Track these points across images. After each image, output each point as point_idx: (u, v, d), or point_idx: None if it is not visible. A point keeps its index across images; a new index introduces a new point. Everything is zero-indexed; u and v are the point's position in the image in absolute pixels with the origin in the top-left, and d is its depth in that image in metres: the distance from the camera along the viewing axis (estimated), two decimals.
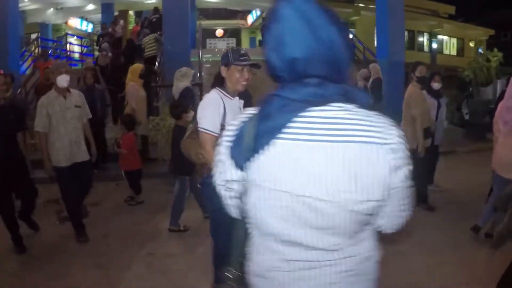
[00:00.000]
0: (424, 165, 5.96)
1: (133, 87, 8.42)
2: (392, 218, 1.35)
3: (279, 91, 1.28)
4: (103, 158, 7.97)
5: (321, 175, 1.19)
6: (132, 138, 6.73)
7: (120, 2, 20.05)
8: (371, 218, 1.28)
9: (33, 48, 17.90)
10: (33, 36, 22.11)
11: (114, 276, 4.30)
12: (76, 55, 22.24)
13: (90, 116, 5.64)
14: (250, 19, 26.55)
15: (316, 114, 1.21)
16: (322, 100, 1.22)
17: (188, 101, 6.57)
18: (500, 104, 4.53)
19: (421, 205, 6.02)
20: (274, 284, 1.34)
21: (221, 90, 3.28)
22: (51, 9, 21.75)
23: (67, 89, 5.20)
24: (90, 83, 7.96)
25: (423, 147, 5.80)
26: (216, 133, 3.08)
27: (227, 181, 1.35)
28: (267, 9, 23.54)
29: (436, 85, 6.72)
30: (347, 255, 1.28)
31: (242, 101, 3.40)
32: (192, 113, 5.31)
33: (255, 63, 3.24)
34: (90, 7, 21.55)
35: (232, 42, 23.85)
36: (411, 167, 1.28)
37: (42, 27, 24.04)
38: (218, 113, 3.16)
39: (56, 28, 25.26)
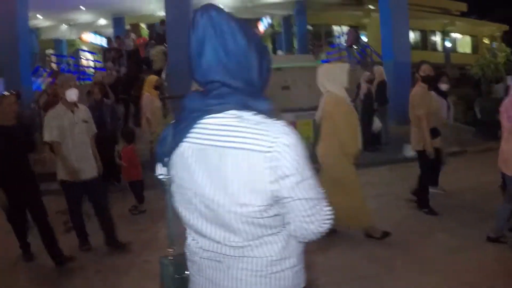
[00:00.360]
0: (428, 167, 5.84)
1: (148, 98, 8.43)
2: (298, 227, 1.37)
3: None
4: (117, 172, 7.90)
5: (211, 177, 1.31)
6: (131, 151, 6.81)
7: (131, 16, 20.30)
8: (270, 222, 1.33)
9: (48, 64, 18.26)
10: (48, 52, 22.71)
11: (111, 282, 4.53)
12: (90, 70, 22.55)
13: (95, 131, 5.47)
14: (262, 26, 26.63)
15: (212, 121, 1.32)
16: (218, 109, 1.31)
17: None
18: (506, 100, 4.49)
19: (422, 209, 5.83)
20: (195, 268, 1.46)
21: None
22: (64, 25, 22.20)
23: (75, 104, 5.10)
24: (98, 98, 7.97)
25: (431, 147, 5.54)
26: None
27: (158, 175, 1.49)
28: (277, 16, 23.75)
29: (443, 86, 6.59)
30: (251, 254, 1.34)
31: None
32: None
33: None
34: (102, 21, 21.93)
35: None
36: (310, 181, 1.32)
37: (57, 43, 24.65)
38: None
39: (71, 43, 25.78)
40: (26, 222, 5.06)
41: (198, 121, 1.34)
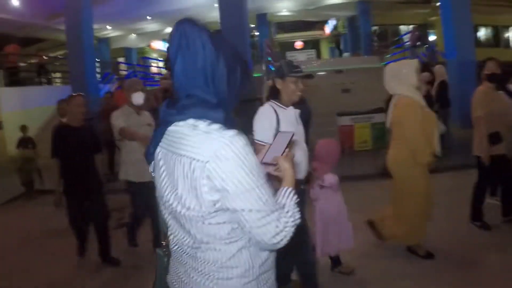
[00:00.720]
0: (485, 176, 5.20)
1: None
2: (253, 238, 1.40)
3: (162, 106, 1.51)
4: None
5: (168, 179, 1.44)
6: None
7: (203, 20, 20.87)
8: (216, 231, 1.39)
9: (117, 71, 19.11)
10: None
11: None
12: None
13: None
14: (328, 28, 26.53)
15: (173, 129, 1.43)
16: (178, 119, 1.42)
17: None
18: None
19: (474, 222, 5.15)
20: (173, 260, 1.60)
21: (275, 102, 3.41)
22: (133, 34, 23.20)
23: (139, 108, 5.08)
24: (152, 105, 8.17)
25: (487, 153, 4.87)
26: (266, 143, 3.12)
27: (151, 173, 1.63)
28: (341, 18, 23.52)
29: None
30: (201, 256, 1.43)
31: (298, 111, 3.50)
32: None
33: (308, 74, 3.67)
34: (169, 30, 22.57)
35: (312, 53, 23.66)
36: (256, 191, 1.34)
37: (127, 51, 25.78)
38: (269, 125, 3.29)
39: (141, 51, 26.93)
40: (88, 224, 5.11)
41: (166, 128, 1.46)
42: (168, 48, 1.50)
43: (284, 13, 21.43)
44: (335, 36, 20.20)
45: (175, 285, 1.57)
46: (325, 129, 7.91)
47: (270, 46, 18.89)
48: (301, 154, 3.39)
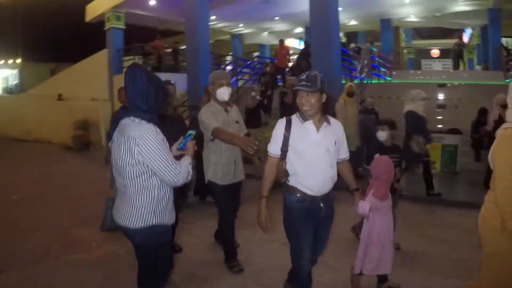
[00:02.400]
0: None
1: (340, 104, 8.66)
2: (162, 178, 2.85)
3: (121, 109, 3.22)
4: None
5: (117, 149, 2.87)
6: None
7: None
8: (133, 175, 2.83)
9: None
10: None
11: None
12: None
13: (246, 131, 4.98)
14: (466, 37, 25.26)
15: (123, 121, 2.87)
16: (126, 117, 2.86)
17: (410, 126, 6.83)
18: None
19: None
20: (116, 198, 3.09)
21: (298, 115, 3.44)
22: (264, 32, 24.93)
23: (227, 103, 4.75)
24: (250, 106, 9.81)
25: None
26: (274, 155, 3.47)
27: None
28: (476, 27, 22.41)
29: None
30: (127, 192, 2.89)
31: (308, 125, 3.37)
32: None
33: (297, 88, 3.32)
34: (299, 30, 23.87)
35: (447, 63, 22.99)
36: (157, 155, 2.74)
37: (260, 47, 27.65)
38: (280, 138, 3.41)
39: (274, 48, 28.59)
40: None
41: (120, 122, 2.90)
42: (124, 79, 2.85)
43: (412, 19, 21.13)
44: (458, 46, 19.27)
45: (116, 213, 2.99)
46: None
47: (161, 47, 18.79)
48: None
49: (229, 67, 19.23)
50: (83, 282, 4.52)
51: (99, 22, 18.88)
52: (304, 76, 3.29)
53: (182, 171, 2.84)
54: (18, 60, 33.31)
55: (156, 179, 2.85)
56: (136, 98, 2.79)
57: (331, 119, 3.50)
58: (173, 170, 2.79)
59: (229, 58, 22.20)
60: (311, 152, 3.33)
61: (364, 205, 3.67)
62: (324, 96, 3.33)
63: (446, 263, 4.84)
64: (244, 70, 18.63)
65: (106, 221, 3.36)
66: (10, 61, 33.74)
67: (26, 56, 33.03)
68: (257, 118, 10.44)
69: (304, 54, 14.47)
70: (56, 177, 10.45)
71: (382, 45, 20.69)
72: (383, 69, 16.37)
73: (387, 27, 20.90)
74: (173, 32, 22.26)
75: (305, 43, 15.87)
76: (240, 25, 23.05)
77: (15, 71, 35.05)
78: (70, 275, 4.64)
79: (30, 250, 5.38)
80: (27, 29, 31.80)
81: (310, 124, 3.35)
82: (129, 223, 2.84)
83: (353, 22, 21.92)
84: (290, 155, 3.39)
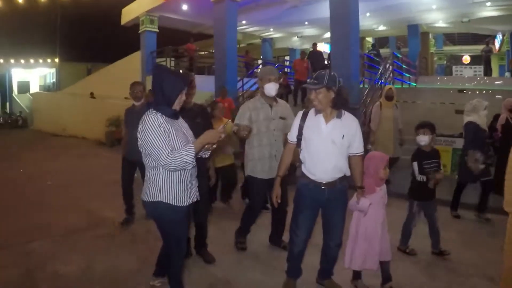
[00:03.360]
0: None
1: (376, 107, 8.65)
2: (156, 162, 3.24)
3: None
4: None
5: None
6: None
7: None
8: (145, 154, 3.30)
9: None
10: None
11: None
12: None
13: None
14: (497, 43, 25.33)
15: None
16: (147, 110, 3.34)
17: (468, 139, 6.48)
18: None
19: None
20: None
21: (314, 108, 3.87)
22: (294, 37, 25.72)
23: (274, 99, 4.99)
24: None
25: None
26: (291, 141, 4.04)
27: None
28: (507, 32, 22.58)
29: None
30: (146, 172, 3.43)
31: (319, 117, 3.80)
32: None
33: (327, 86, 3.65)
34: (327, 35, 24.49)
35: (479, 69, 23.17)
36: (151, 143, 3.15)
37: (291, 51, 28.43)
38: (296, 126, 3.95)
39: (305, 51, 29.31)
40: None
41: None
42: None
43: (440, 24, 21.37)
44: (486, 53, 19.43)
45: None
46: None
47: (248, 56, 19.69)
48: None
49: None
50: (104, 248, 5.39)
51: (134, 25, 20.02)
52: (315, 75, 3.74)
53: (175, 160, 3.10)
54: (56, 60, 35.00)
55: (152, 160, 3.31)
56: (154, 93, 3.32)
57: (346, 115, 3.84)
58: (164, 157, 3.09)
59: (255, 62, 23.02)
60: (317, 141, 3.77)
61: (364, 202, 3.87)
62: (332, 92, 3.67)
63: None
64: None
65: None
66: (48, 60, 35.40)
67: (63, 56, 34.65)
68: None
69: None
70: (88, 167, 11.56)
71: (409, 51, 21.01)
72: (407, 75, 16.85)
73: (415, 32, 21.17)
74: (205, 36, 23.21)
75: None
76: (271, 29, 23.87)
77: (53, 70, 36.78)
78: (94, 245, 5.53)
79: (61, 225, 6.32)
80: (65, 30, 33.38)
81: (320, 117, 3.78)
82: (142, 195, 3.39)
83: (382, 28, 22.38)
84: (302, 143, 3.90)
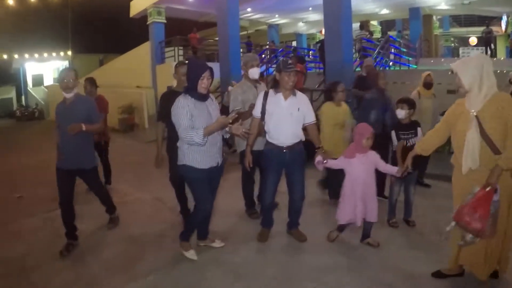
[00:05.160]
0: None
1: (414, 97, 7.03)
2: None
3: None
4: None
5: None
6: None
7: (359, 14, 22.32)
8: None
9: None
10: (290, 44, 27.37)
11: None
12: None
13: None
14: (503, 24, 25.75)
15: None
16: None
17: None
18: None
19: None
20: None
21: (274, 89, 4.84)
22: (300, 22, 26.59)
23: (257, 81, 5.84)
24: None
25: None
26: (256, 116, 4.92)
27: None
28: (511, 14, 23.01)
29: None
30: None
31: (279, 96, 4.75)
32: None
33: (297, 70, 4.77)
34: None
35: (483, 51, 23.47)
36: (175, 120, 4.14)
37: (298, 36, 29.30)
38: (259, 104, 4.86)
39: (311, 37, 30.16)
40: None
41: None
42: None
43: (442, 7, 21.88)
44: (486, 34, 19.82)
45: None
46: None
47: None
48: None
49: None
50: (118, 212, 6.38)
51: (143, 17, 21.10)
52: (290, 62, 4.70)
53: (194, 135, 4.00)
54: (69, 52, 36.24)
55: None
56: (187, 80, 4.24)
57: (298, 93, 4.84)
58: (180, 131, 4.10)
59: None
60: (279, 114, 4.71)
61: (318, 158, 4.71)
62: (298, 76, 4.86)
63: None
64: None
65: None
66: (61, 53, 36.61)
67: (75, 48, 35.84)
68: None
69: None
70: None
71: (410, 33, 21.68)
72: (407, 57, 17.51)
73: (416, 15, 21.66)
74: (212, 24, 24.20)
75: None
76: (276, 16, 24.81)
77: (66, 62, 38.06)
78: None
79: (79, 197, 7.27)
80: (76, 23, 34.49)
81: (280, 95, 4.75)
82: (177, 161, 4.37)
83: (384, 11, 23.13)
84: (266, 117, 4.80)
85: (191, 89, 4.16)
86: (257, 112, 4.91)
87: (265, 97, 4.84)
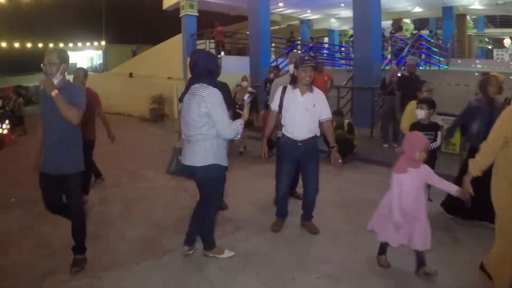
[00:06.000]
0: None
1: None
2: (218, 131, 4.08)
3: (190, 79, 4.27)
4: None
5: (189, 105, 4.10)
6: None
7: (391, 12, 22.12)
8: (202, 126, 4.05)
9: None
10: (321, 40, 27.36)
11: None
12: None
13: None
14: None
15: (193, 86, 4.12)
16: (195, 83, 4.13)
17: None
18: None
19: None
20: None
21: (292, 84, 5.04)
22: (332, 18, 26.57)
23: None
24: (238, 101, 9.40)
25: None
26: (274, 110, 5.14)
27: (180, 107, 4.37)
28: None
29: None
30: (196, 139, 4.13)
31: (296, 91, 4.94)
32: None
33: (314, 65, 4.87)
34: None
35: None
36: (219, 111, 4.00)
37: (329, 32, 29.25)
38: (277, 98, 5.08)
39: (343, 33, 30.08)
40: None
41: (191, 86, 4.14)
42: (191, 59, 4.17)
43: (476, 6, 21.54)
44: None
45: (183, 158, 4.22)
46: None
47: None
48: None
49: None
50: (143, 196, 6.93)
51: (175, 9, 21.43)
52: (306, 58, 4.89)
53: (234, 127, 4.09)
54: (102, 42, 37.11)
55: (214, 131, 4.07)
56: (201, 71, 4.16)
57: (316, 90, 5.02)
58: (228, 124, 4.05)
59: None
60: (295, 109, 4.92)
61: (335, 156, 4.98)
62: (314, 72, 4.96)
63: None
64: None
65: (171, 165, 5.00)
66: (95, 43, 37.56)
67: (109, 39, 36.80)
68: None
69: None
70: (133, 139, 13.14)
71: (443, 33, 21.44)
72: (437, 57, 17.26)
73: (449, 14, 21.36)
74: (244, 18, 24.43)
75: None
76: (308, 11, 24.87)
77: (99, 52, 39.06)
78: (136, 193, 7.12)
79: (107, 180, 7.91)
80: (110, 14, 35.36)
81: (297, 91, 4.94)
82: (196, 162, 4.09)
83: (417, 9, 22.92)
84: (283, 111, 5.03)
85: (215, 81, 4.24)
86: (275, 105, 5.12)
87: (283, 92, 5.05)
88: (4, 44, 32.84)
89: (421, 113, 5.44)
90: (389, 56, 15.66)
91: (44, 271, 4.39)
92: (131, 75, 22.98)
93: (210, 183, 4.29)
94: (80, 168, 4.31)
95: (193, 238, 4.65)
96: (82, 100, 4.18)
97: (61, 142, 4.16)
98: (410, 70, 9.57)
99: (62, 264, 4.41)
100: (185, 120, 4.17)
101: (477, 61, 19.80)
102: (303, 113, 4.90)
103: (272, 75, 12.80)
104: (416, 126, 5.42)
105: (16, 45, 33.60)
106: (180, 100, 4.34)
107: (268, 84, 11.71)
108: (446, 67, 17.20)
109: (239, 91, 9.66)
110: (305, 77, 4.82)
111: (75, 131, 4.25)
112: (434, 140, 5.43)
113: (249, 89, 9.67)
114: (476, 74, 13.84)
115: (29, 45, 34.12)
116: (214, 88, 4.08)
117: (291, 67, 5.65)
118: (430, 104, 5.45)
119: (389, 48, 16.18)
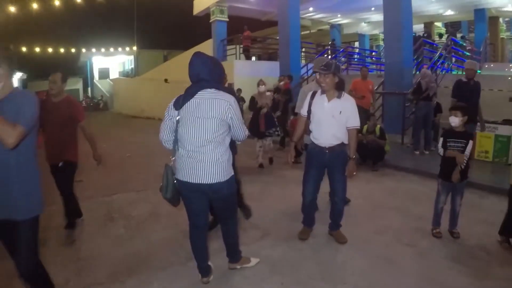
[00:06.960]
0: None
1: None
2: (233, 134, 3.76)
3: (189, 86, 3.68)
4: None
5: (198, 109, 3.57)
6: None
7: (420, 15, 22.16)
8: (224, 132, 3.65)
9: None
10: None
11: None
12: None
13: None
14: None
15: (199, 93, 3.60)
16: (199, 89, 3.61)
17: None
18: None
19: None
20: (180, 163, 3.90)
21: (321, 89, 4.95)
22: (362, 23, 26.32)
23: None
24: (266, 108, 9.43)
25: None
26: (303, 115, 5.09)
27: (171, 117, 3.68)
28: None
29: None
30: (207, 150, 3.59)
31: (323, 97, 4.84)
32: None
33: (325, 72, 4.65)
34: None
35: None
36: (238, 118, 3.62)
37: (360, 36, 29.00)
38: (307, 103, 5.00)
39: (373, 37, 29.79)
40: None
41: (198, 91, 3.59)
42: (194, 63, 3.67)
43: (510, 8, 20.96)
44: None
45: (195, 176, 3.61)
46: None
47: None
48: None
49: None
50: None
51: (206, 15, 21.63)
52: (324, 63, 4.68)
53: (246, 130, 3.87)
54: (134, 47, 37.65)
55: (229, 138, 3.78)
56: (203, 75, 3.79)
57: (345, 96, 4.84)
58: (244, 127, 3.81)
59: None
60: (320, 115, 4.82)
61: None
62: (337, 77, 4.71)
63: None
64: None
65: (166, 189, 4.18)
66: (127, 48, 38.13)
67: (141, 44, 37.36)
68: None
69: None
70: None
71: (475, 36, 20.96)
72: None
73: (482, 17, 20.89)
74: (275, 23, 24.45)
75: None
76: (338, 15, 24.74)
77: (131, 57, 39.65)
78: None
79: (135, 183, 7.98)
80: (142, 20, 35.90)
81: (324, 96, 4.83)
82: (219, 177, 3.61)
83: (449, 12, 22.52)
84: (311, 116, 4.93)
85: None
86: (304, 111, 5.05)
87: (312, 97, 4.99)
88: (38, 49, 33.66)
89: (455, 120, 5.22)
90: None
91: None
92: (166, 80, 23.17)
93: (232, 197, 3.99)
94: (31, 212, 2.97)
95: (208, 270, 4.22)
96: (27, 114, 2.81)
97: (5, 178, 2.86)
98: (469, 76, 8.82)
99: None
100: (194, 129, 3.59)
101: (510, 65, 19.28)
102: (328, 119, 4.79)
103: (282, 84, 12.40)
104: (449, 133, 5.30)
105: (50, 50, 34.42)
106: (176, 107, 3.67)
107: (276, 93, 11.21)
108: (479, 71, 16.70)
109: (259, 96, 9.48)
110: (321, 82, 4.75)
111: (27, 155, 2.95)
112: (465, 147, 5.21)
113: (268, 93, 9.66)
114: (510, 78, 13.66)
115: (62, 50, 34.93)
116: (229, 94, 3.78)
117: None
118: (464, 110, 5.24)
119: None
